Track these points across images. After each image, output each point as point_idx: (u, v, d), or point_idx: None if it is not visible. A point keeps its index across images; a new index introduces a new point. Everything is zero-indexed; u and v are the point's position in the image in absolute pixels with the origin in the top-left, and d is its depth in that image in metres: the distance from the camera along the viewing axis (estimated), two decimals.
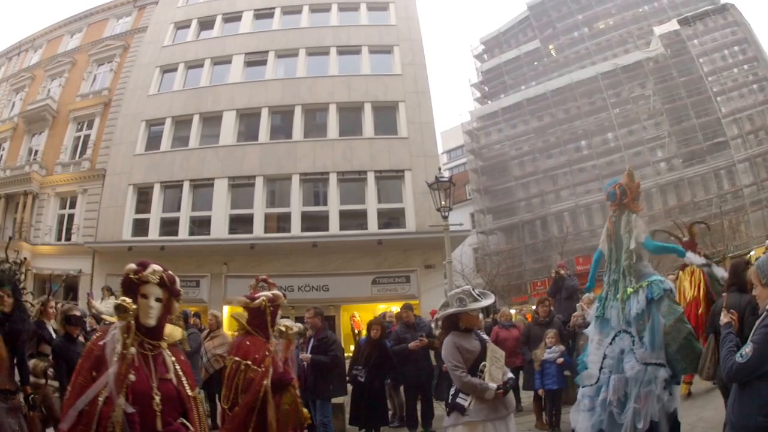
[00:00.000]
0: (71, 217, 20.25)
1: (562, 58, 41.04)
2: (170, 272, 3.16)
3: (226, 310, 18.00)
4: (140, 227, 18.62)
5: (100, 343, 2.87)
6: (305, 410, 4.13)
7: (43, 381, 5.53)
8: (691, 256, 7.45)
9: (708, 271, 7.52)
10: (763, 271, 3.05)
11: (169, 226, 18.46)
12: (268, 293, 4.63)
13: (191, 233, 18.31)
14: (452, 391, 4.22)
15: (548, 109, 37.18)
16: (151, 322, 3.00)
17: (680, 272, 8.36)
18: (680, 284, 8.19)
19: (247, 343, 4.40)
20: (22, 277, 5.30)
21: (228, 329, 10.14)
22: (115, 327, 2.90)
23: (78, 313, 6.55)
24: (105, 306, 11.34)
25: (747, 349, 2.94)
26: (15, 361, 4.96)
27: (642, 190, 6.14)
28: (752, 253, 23.75)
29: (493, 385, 4.02)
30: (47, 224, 20.21)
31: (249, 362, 4.23)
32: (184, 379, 3.10)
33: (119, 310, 2.88)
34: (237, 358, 4.31)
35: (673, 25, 34.99)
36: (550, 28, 42.25)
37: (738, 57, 34.33)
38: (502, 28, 46.22)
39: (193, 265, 17.49)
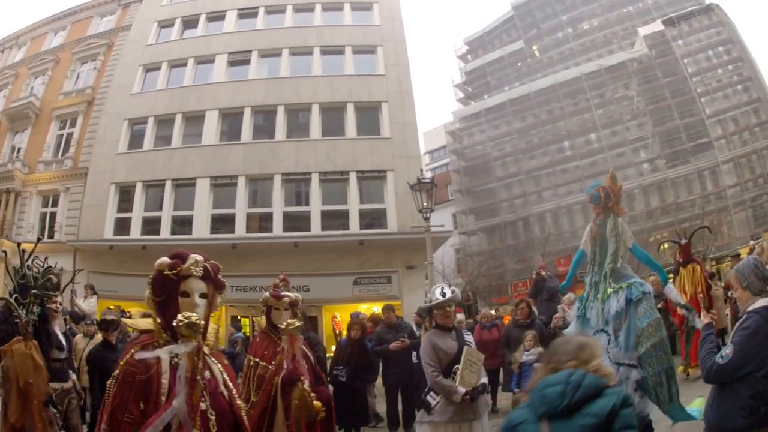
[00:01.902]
0: (54, 215, 19.91)
1: (546, 59, 40.82)
2: (213, 261, 2.73)
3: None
4: (122, 226, 18.33)
5: (141, 363, 2.42)
6: (317, 403, 3.92)
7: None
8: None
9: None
10: (743, 274, 3.09)
11: (151, 225, 18.19)
12: (291, 294, 4.68)
13: (173, 233, 18.03)
14: (427, 388, 4.24)
15: (531, 109, 36.94)
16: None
17: (681, 269, 8.60)
18: (680, 282, 8.45)
19: (258, 341, 4.59)
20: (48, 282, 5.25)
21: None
22: (176, 348, 2.47)
23: (113, 317, 6.32)
24: (87, 305, 11.18)
25: (727, 350, 2.94)
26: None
27: (624, 191, 6.12)
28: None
29: (461, 390, 3.98)
30: (30, 222, 19.84)
31: (258, 359, 4.32)
32: (233, 390, 2.72)
33: (190, 328, 2.42)
34: (250, 357, 4.50)
35: (657, 26, 34.83)
36: (535, 29, 42.03)
37: (723, 57, 34.17)
38: (486, 28, 45.87)
39: None
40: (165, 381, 2.42)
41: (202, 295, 2.63)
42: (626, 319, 5.04)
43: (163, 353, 2.48)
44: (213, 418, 2.45)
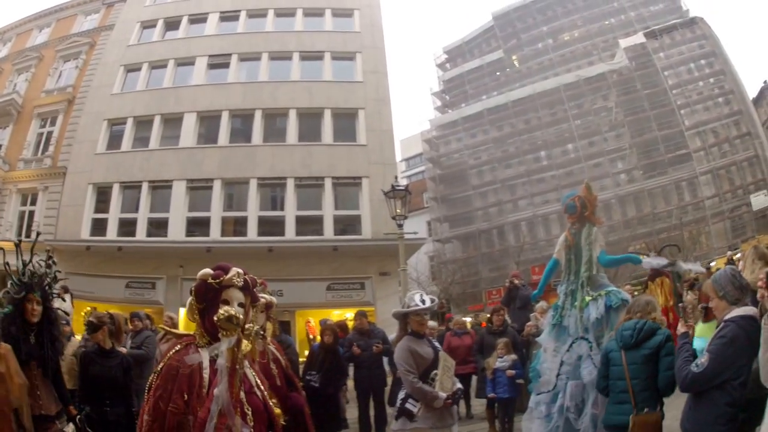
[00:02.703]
0: (32, 214, 19.83)
1: (525, 69, 40.79)
2: (251, 275, 2.98)
3: (182, 312, 17.93)
4: (99, 227, 18.26)
5: (184, 359, 2.61)
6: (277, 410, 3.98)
7: None
8: (649, 260, 7.48)
9: (672, 270, 7.59)
10: (719, 284, 3.13)
11: (127, 227, 18.13)
12: (266, 296, 4.78)
13: (149, 234, 18.01)
14: (401, 395, 4.22)
15: (509, 119, 36.85)
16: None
17: (650, 282, 8.48)
18: (651, 294, 8.35)
19: None
20: (53, 280, 4.51)
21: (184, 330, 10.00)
22: (219, 345, 2.68)
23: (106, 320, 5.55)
24: (63, 305, 11.16)
25: (702, 359, 2.96)
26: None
27: (601, 201, 6.17)
28: (713, 264, 23.99)
29: (443, 395, 3.99)
30: (8, 220, 19.75)
31: None
32: (266, 392, 2.95)
33: (230, 322, 2.67)
34: None
35: (639, 38, 34.84)
36: (515, 39, 42.00)
37: (704, 70, 34.26)
38: (466, 37, 45.74)
39: (149, 267, 17.26)
40: (206, 375, 2.62)
41: (240, 305, 2.82)
42: (607, 326, 5.06)
43: (205, 352, 2.70)
44: (249, 412, 2.68)
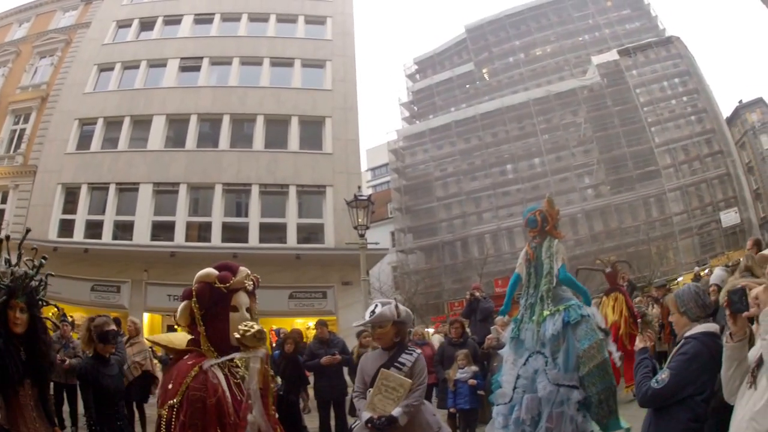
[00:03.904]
0: (2, 212, 19.73)
1: (495, 83, 40.57)
2: (255, 274, 2.63)
3: (146, 317, 17.95)
4: (66, 228, 18.18)
5: (206, 385, 2.24)
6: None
7: None
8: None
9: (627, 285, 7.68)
10: (682, 300, 3.08)
11: (94, 229, 18.03)
12: None
13: (115, 237, 17.93)
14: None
15: (476, 131, 36.52)
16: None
17: (604, 297, 8.71)
18: (603, 309, 8.45)
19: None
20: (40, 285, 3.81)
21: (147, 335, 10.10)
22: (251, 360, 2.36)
23: (115, 328, 5.25)
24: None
25: (663, 375, 2.94)
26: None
27: (567, 216, 6.13)
28: (680, 279, 23.99)
29: (365, 416, 3.64)
30: None
31: None
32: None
33: (257, 338, 2.34)
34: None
35: (612, 55, 34.68)
36: (486, 52, 41.76)
37: (678, 89, 34.15)
38: (437, 49, 45.46)
39: (114, 270, 17.20)
40: (229, 399, 2.31)
41: (248, 309, 2.53)
42: (564, 341, 5.04)
43: (218, 370, 2.36)
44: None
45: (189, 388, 2.22)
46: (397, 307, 3.88)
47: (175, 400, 2.22)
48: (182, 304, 2.45)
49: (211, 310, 2.39)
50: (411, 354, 3.86)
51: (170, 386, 2.26)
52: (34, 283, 3.62)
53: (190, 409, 2.18)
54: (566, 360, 4.99)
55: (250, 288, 2.53)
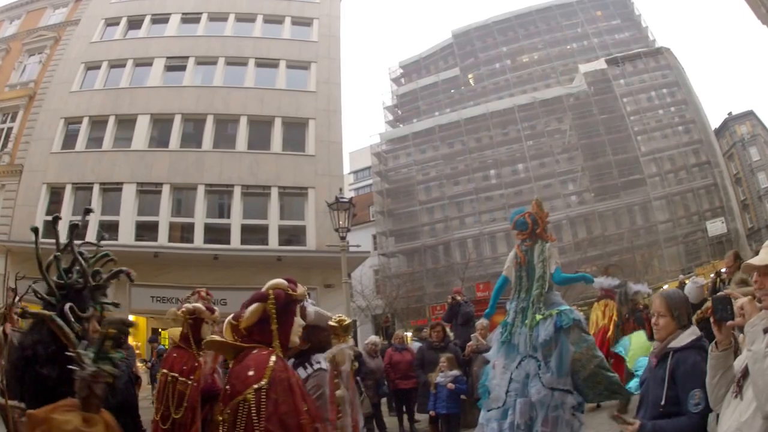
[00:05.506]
0: None
1: (480, 88, 40.16)
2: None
3: (130, 319, 17.85)
4: (51, 228, 18.07)
5: (287, 369, 2.53)
6: None
7: None
8: (601, 280, 7.59)
9: (621, 291, 7.72)
10: (675, 303, 2.90)
11: (78, 229, 17.96)
12: (189, 305, 4.54)
13: (99, 238, 17.83)
14: None
15: (460, 136, 36.23)
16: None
17: (595, 303, 8.69)
18: (594, 313, 8.53)
19: (174, 355, 4.38)
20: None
21: (132, 339, 10.00)
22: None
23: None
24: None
25: (694, 399, 2.72)
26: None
27: (550, 222, 6.04)
28: (665, 287, 23.85)
29: None
30: None
31: (176, 374, 4.17)
32: None
33: (347, 330, 2.88)
34: (164, 371, 4.27)
35: (600, 64, 34.36)
36: (473, 58, 41.37)
37: (666, 99, 33.87)
38: (423, 53, 45.11)
39: None
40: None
41: None
42: (557, 346, 4.98)
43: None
44: None
45: (274, 371, 2.40)
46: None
47: (263, 382, 2.36)
48: (254, 306, 2.61)
49: (282, 313, 2.62)
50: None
51: (251, 373, 2.39)
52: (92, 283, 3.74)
53: (279, 387, 2.37)
54: (559, 364, 4.93)
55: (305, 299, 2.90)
